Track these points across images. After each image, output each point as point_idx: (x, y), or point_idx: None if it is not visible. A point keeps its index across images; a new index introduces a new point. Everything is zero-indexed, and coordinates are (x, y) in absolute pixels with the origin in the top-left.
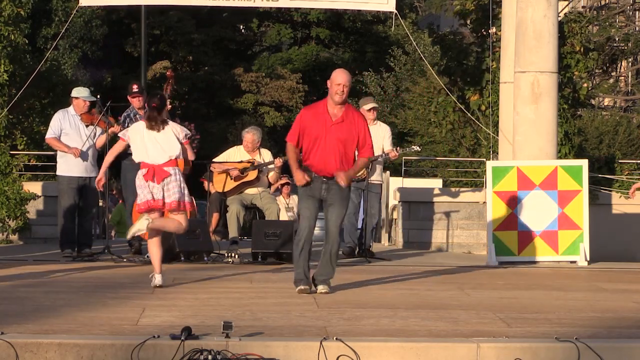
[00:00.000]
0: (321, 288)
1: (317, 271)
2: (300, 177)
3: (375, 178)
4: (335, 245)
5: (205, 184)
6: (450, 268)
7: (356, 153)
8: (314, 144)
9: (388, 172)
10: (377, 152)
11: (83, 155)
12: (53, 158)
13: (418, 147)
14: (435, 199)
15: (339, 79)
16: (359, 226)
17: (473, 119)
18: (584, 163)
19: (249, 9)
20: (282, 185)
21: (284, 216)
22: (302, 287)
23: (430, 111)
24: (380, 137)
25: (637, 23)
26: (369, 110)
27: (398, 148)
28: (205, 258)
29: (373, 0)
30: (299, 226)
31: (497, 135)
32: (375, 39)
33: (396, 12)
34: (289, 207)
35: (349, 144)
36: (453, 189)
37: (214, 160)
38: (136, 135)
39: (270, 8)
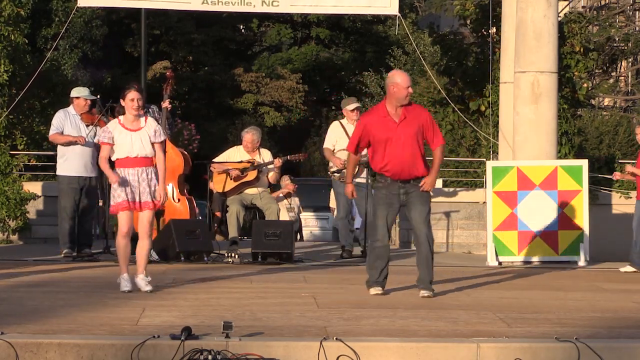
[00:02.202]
0: (423, 293)
1: (418, 276)
2: (349, 192)
3: (363, 177)
4: (425, 244)
5: (211, 184)
6: (450, 268)
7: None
8: (383, 148)
9: None
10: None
11: (83, 155)
12: (53, 158)
13: None
14: (434, 199)
15: (406, 82)
16: (357, 226)
17: (470, 123)
18: (584, 163)
19: (249, 14)
20: (286, 195)
21: (285, 216)
22: (375, 288)
23: (430, 111)
24: None
25: (637, 23)
26: (352, 110)
27: None
28: (205, 258)
29: (376, 4)
30: (375, 230)
31: (497, 136)
32: (375, 39)
33: (399, 15)
34: (291, 207)
35: (418, 139)
36: (452, 189)
37: (214, 160)
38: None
39: (271, 13)
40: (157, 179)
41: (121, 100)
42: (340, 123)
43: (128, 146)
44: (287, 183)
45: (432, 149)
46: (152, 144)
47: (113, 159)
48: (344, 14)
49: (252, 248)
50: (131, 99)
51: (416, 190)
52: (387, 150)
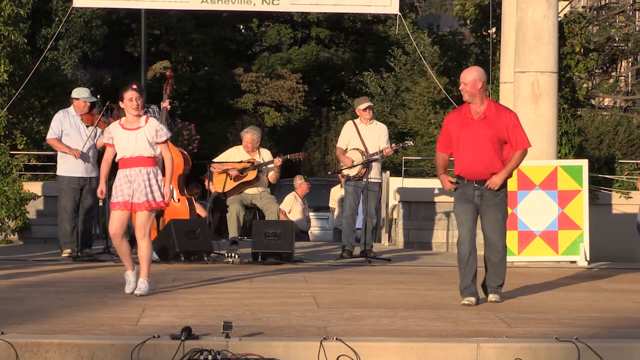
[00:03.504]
0: (491, 297)
1: (483, 280)
2: (446, 183)
3: (374, 177)
4: (494, 252)
5: (211, 185)
6: (450, 268)
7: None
8: (458, 145)
9: (388, 172)
10: (374, 150)
11: (83, 156)
12: (53, 158)
13: (412, 142)
14: (435, 199)
15: (462, 78)
16: (359, 226)
17: None
18: (584, 163)
19: (249, 13)
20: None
21: (298, 215)
22: (466, 299)
23: (431, 111)
24: (377, 135)
25: (637, 23)
26: (364, 109)
27: (393, 145)
28: (205, 258)
29: (376, 3)
30: (458, 233)
31: None
32: (375, 39)
33: (400, 14)
34: (306, 207)
35: (496, 141)
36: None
37: (214, 160)
38: None
39: (271, 12)
40: (158, 179)
41: (120, 102)
42: (354, 122)
43: (124, 145)
44: (300, 183)
45: (512, 151)
46: (155, 144)
47: (117, 159)
48: (344, 13)
49: (252, 248)
50: (129, 98)
51: (490, 192)
52: (461, 147)
